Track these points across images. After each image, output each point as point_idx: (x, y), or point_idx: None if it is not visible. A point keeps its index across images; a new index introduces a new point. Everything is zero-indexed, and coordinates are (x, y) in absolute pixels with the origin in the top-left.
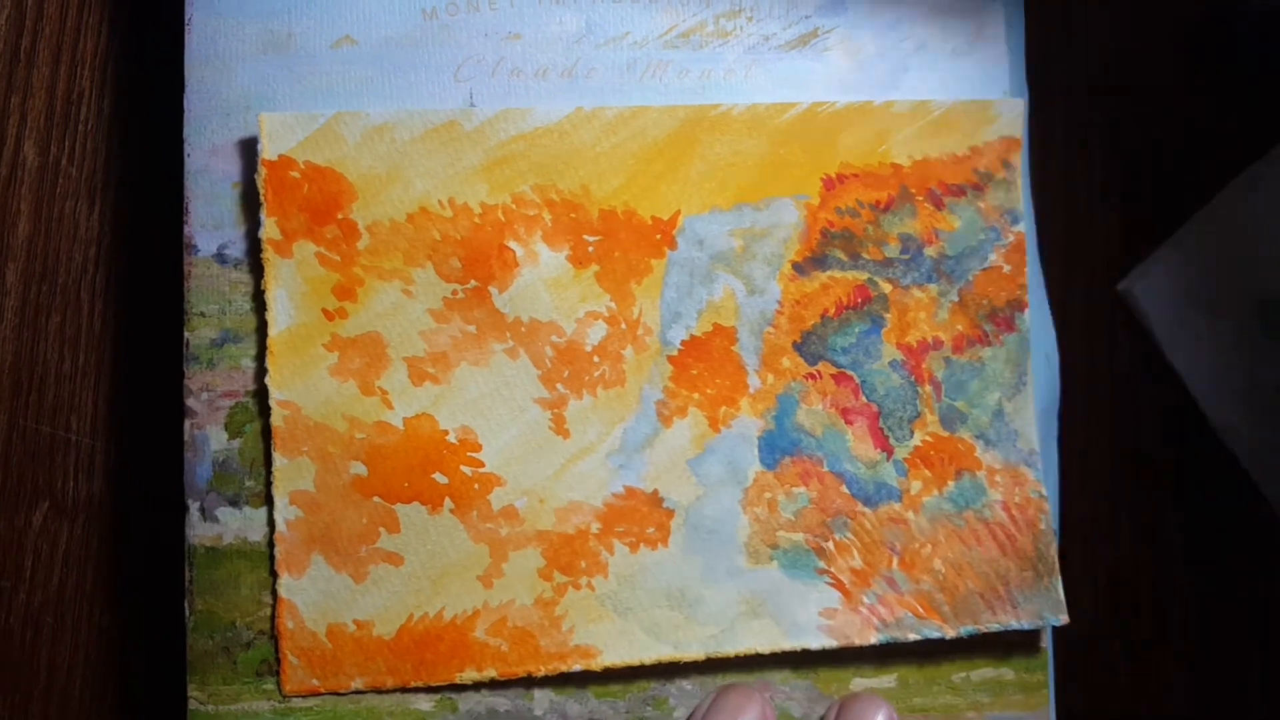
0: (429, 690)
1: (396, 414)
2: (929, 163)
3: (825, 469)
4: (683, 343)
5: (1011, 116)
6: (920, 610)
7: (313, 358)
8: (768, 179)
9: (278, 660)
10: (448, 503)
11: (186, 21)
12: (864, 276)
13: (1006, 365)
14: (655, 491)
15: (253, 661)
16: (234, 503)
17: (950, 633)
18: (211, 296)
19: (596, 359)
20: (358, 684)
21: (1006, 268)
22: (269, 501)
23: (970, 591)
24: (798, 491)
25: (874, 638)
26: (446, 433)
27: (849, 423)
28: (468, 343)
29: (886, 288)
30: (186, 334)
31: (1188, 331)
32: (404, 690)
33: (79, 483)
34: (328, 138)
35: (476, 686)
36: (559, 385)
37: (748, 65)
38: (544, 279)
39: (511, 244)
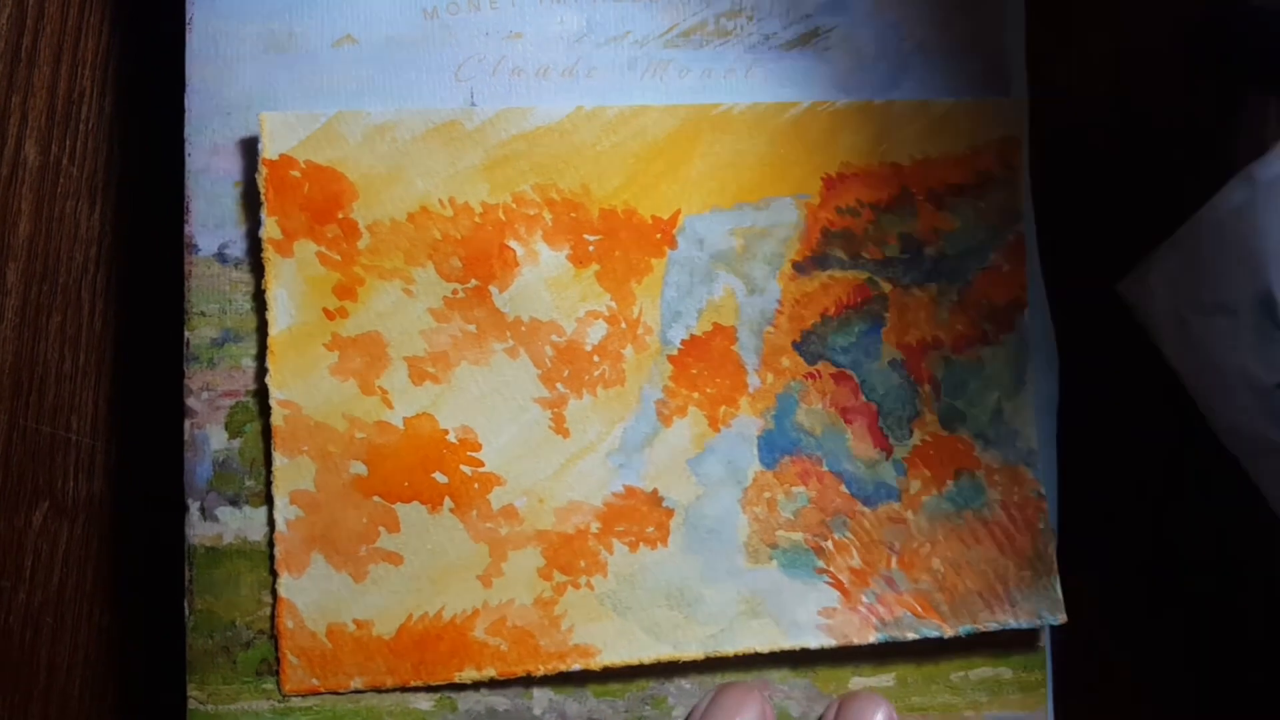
0: (428, 690)
1: (397, 413)
2: (929, 162)
3: (825, 468)
4: (683, 342)
5: (1012, 116)
6: (919, 609)
7: (313, 357)
8: (768, 178)
9: (277, 660)
10: (447, 502)
11: (187, 21)
12: (864, 276)
13: (1006, 365)
14: (655, 491)
15: (252, 661)
16: (234, 502)
17: (949, 632)
18: (212, 296)
19: (596, 358)
20: (357, 683)
21: (1006, 267)
22: (269, 501)
23: (969, 591)
24: (797, 491)
25: (873, 637)
26: (446, 432)
27: (848, 422)
28: (468, 342)
29: (886, 287)
30: (187, 333)
31: (1187, 331)
32: (403, 690)
33: (79, 482)
34: (329, 137)
35: (476, 686)
36: (559, 385)
37: (748, 64)
38: (544, 278)
39: (512, 243)
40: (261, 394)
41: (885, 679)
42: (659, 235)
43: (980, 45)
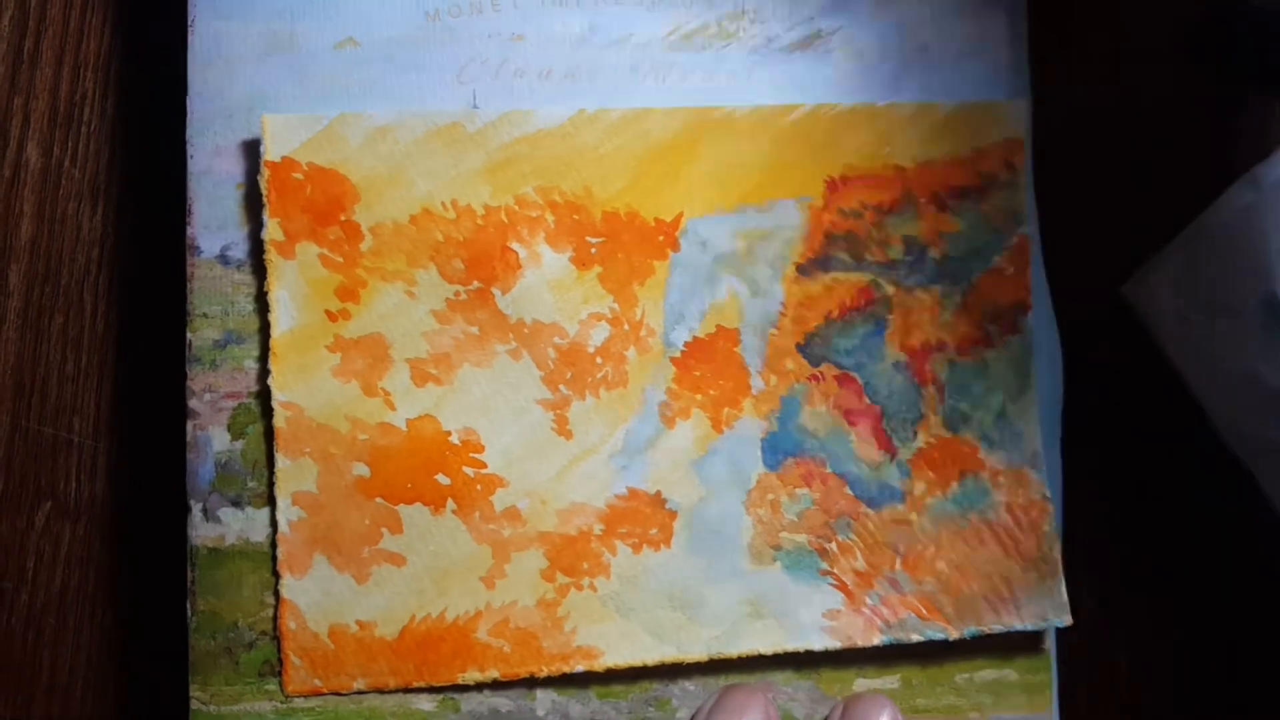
0: (431, 691)
1: (399, 415)
2: (932, 164)
3: (828, 470)
4: (686, 344)
5: (1015, 118)
6: (923, 611)
7: (315, 359)
8: (771, 181)
9: (280, 661)
10: (450, 504)
11: (189, 23)
12: (867, 278)
13: (1010, 367)
14: (658, 493)
15: (255, 662)
16: (236, 503)
17: (953, 634)
18: (214, 298)
19: (599, 360)
20: (360, 684)
21: (1010, 269)
22: (271, 502)
23: (973, 593)
24: (801, 493)
25: (877, 639)
26: (449, 434)
27: (852, 424)
28: (470, 344)
29: (890, 289)
30: (189, 335)
31: (1191, 333)
32: (406, 691)
33: (81, 484)
34: (330, 139)
35: (479, 687)
36: (562, 386)
37: (751, 67)
38: (547, 280)
39: (514, 245)
40: (264, 395)
41: (890, 681)
42: (662, 237)
43: (983, 47)
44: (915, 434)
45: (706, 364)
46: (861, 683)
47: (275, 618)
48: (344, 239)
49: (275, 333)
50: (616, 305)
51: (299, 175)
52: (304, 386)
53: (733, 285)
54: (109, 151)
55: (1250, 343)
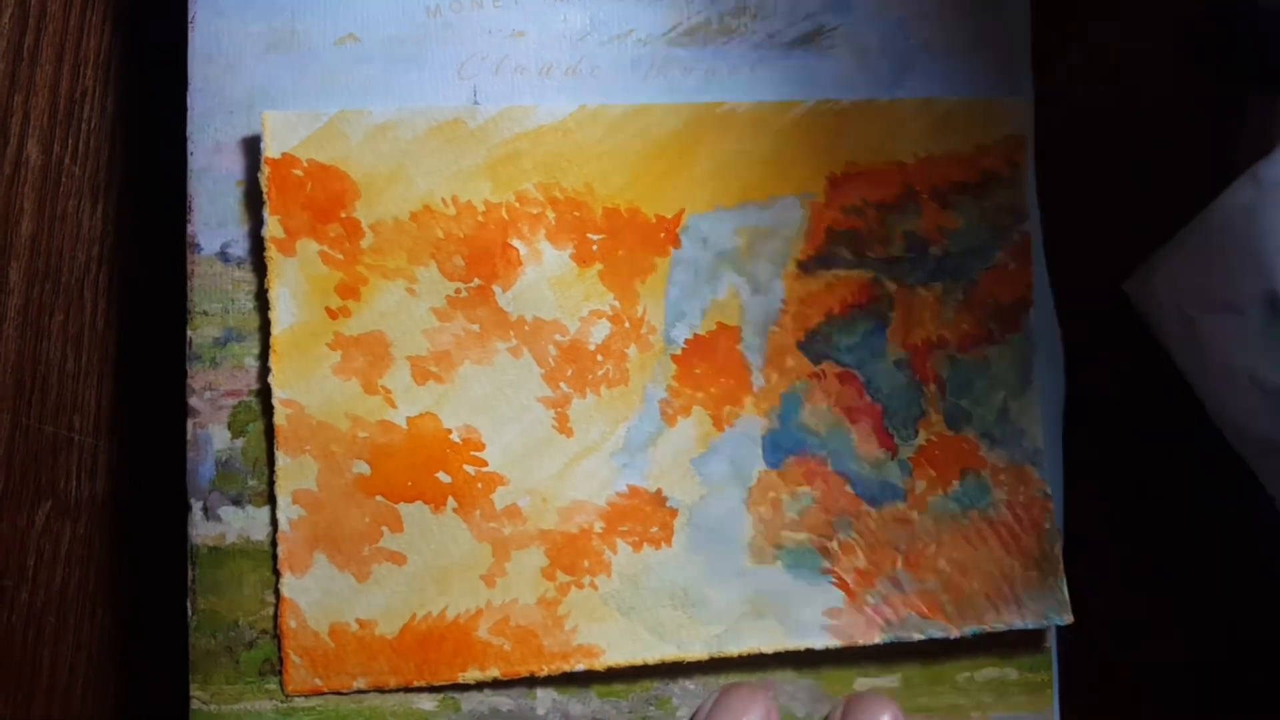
0: (432, 690)
1: (399, 413)
2: (934, 161)
3: (829, 468)
4: (686, 341)
5: (1017, 115)
6: (924, 610)
7: (316, 356)
8: (772, 177)
9: (280, 659)
10: (451, 502)
11: (190, 20)
12: (869, 275)
13: (1011, 364)
14: (659, 491)
15: (255, 661)
16: (237, 502)
17: (954, 632)
18: (214, 295)
19: (600, 358)
20: (360, 683)
21: (1012, 266)
22: (272, 500)
23: (975, 591)
24: (802, 491)
25: (878, 637)
26: (449, 432)
27: (853, 422)
28: (471, 341)
29: (891, 286)
30: (189, 333)
31: (1193, 331)
32: (407, 690)
33: (82, 482)
34: (331, 136)
35: (479, 686)
36: (562, 384)
37: (752, 63)
38: (548, 277)
39: (515, 242)
40: (264, 393)
41: (891, 680)
42: (663, 234)
43: (985, 44)
44: (916, 432)
45: (707, 361)
46: (862, 681)
47: (276, 616)
48: (344, 236)
49: (276, 330)
50: (617, 302)
51: (299, 172)
52: (304, 384)
53: (734, 282)
54: (109, 149)
55: (1251, 341)
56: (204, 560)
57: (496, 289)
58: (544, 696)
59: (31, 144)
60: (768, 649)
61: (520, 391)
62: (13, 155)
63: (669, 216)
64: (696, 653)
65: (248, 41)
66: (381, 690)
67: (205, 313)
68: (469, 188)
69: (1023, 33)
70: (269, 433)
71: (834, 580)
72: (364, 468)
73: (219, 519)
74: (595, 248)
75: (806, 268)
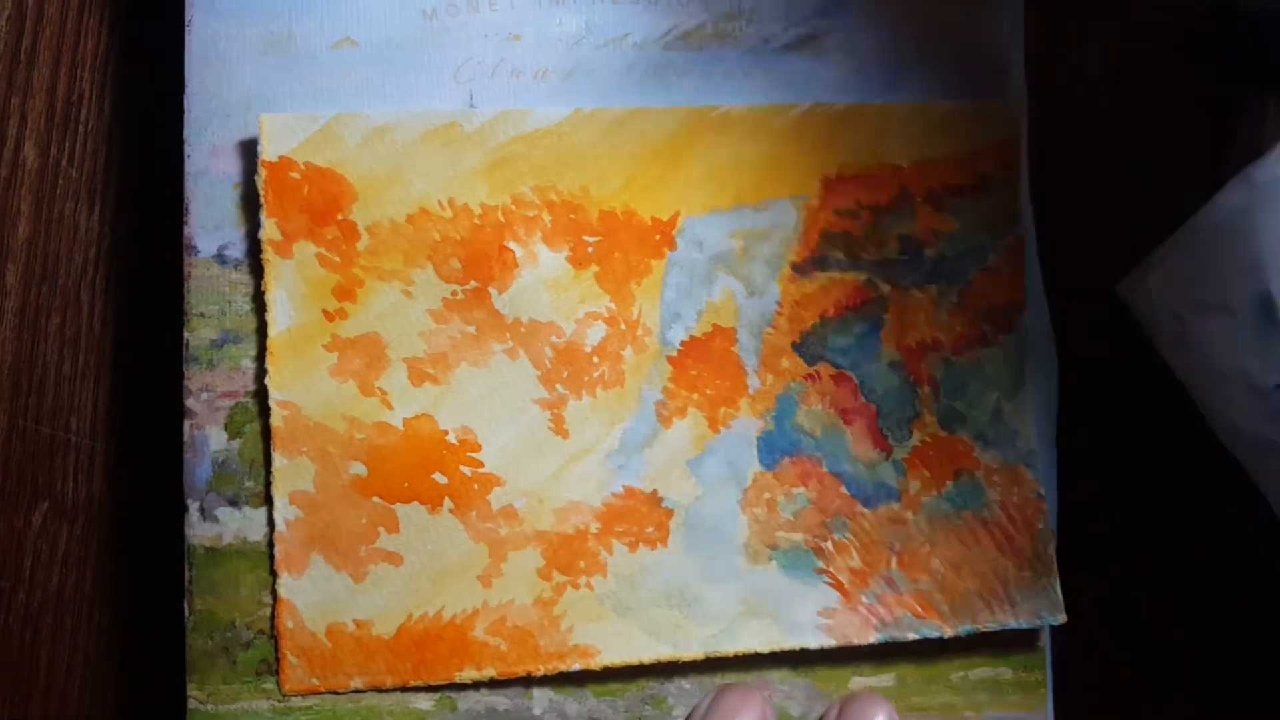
0: (428, 689)
1: (396, 414)
2: (928, 164)
3: (824, 469)
4: (682, 343)
5: (1010, 118)
6: (919, 610)
7: (312, 358)
8: (767, 180)
9: (277, 660)
10: (447, 503)
11: (187, 23)
12: (863, 277)
13: (1005, 366)
14: (654, 492)
15: (252, 661)
16: (233, 503)
17: (949, 632)
18: (211, 297)
19: (596, 360)
20: (357, 683)
21: (1005, 269)
22: (268, 501)
23: (969, 591)
24: (797, 492)
25: (873, 637)
26: (446, 433)
27: (848, 423)
28: (467, 343)
29: (885, 289)
30: (186, 335)
31: (1186, 332)
32: (403, 689)
33: (78, 483)
34: (328, 139)
35: (476, 686)
36: (558, 386)
37: (747, 67)
38: (544, 280)
39: (511, 245)
40: (261, 395)
41: (885, 679)
42: (658, 237)
43: (979, 47)
44: (911, 433)
45: (703, 363)
46: (857, 681)
47: (273, 617)
48: (341, 239)
49: (272, 332)
50: (613, 305)
51: (296, 175)
52: (301, 386)
53: (729, 285)
54: (106, 151)
55: (1244, 342)
56: (201, 561)
57: (493, 291)
58: (540, 696)
59: (29, 146)
60: (763, 648)
61: (516, 393)
62: (10, 158)
63: (664, 219)
64: (692, 652)
65: (245, 44)
66: (378, 690)
67: (202, 315)
68: (465, 190)
69: (1016, 37)
70: (266, 434)
71: (829, 580)
72: (361, 469)
73: (216, 520)
74: (591, 250)
75: (801, 270)
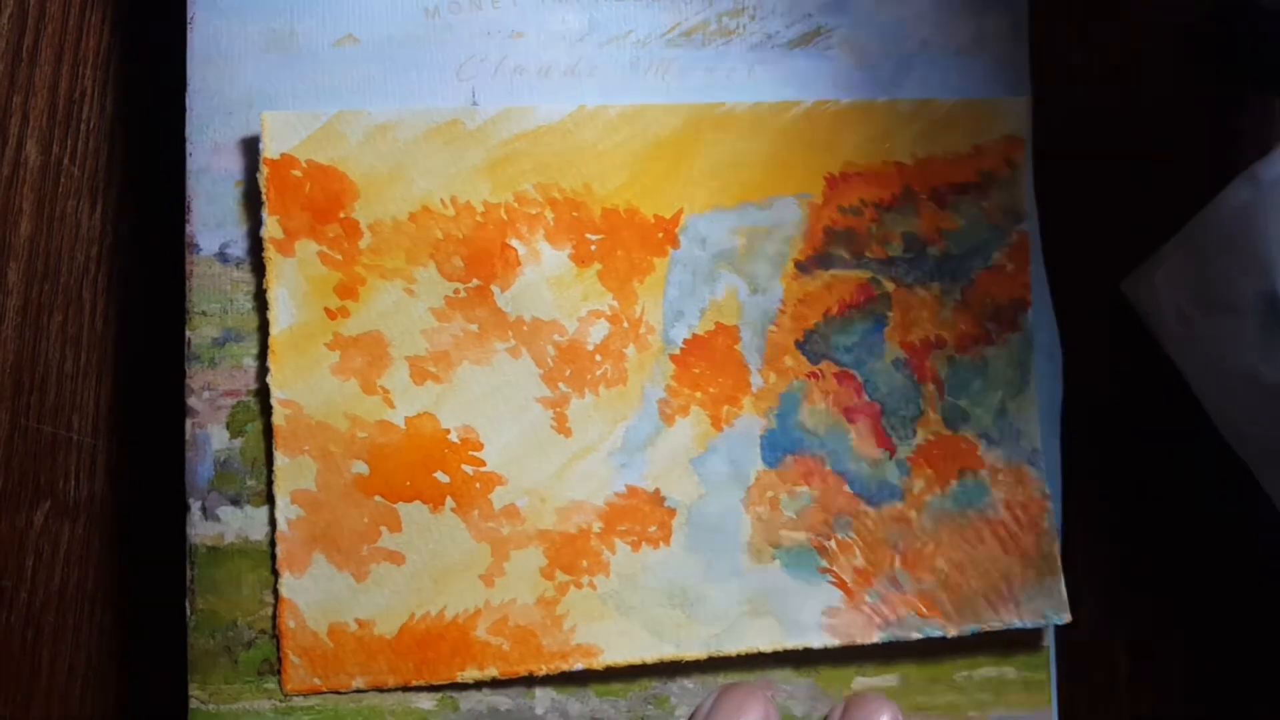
0: (430, 689)
1: (398, 413)
2: (933, 161)
3: (828, 468)
4: (685, 341)
5: (1015, 115)
6: (923, 609)
7: (314, 357)
8: (771, 178)
9: (279, 659)
10: (449, 502)
11: (189, 20)
12: (867, 275)
13: (1009, 364)
14: (657, 490)
15: (254, 660)
16: (235, 502)
17: (953, 631)
18: (213, 295)
19: (599, 358)
20: (359, 683)
21: (1010, 267)
22: (270, 500)
23: (973, 590)
24: (800, 490)
25: (876, 636)
26: (448, 432)
27: (851, 421)
28: (470, 342)
29: (889, 286)
30: (188, 333)
31: (1191, 331)
32: (405, 689)
33: (80, 482)
34: (330, 136)
35: (478, 685)
36: (561, 384)
37: (751, 64)
38: (546, 278)
39: (514, 243)
40: (263, 393)
41: (889, 679)
42: (661, 234)
43: (983, 44)
44: (915, 431)
45: (706, 361)
46: (861, 681)
47: (274, 616)
48: (343, 236)
49: (274, 330)
50: (616, 303)
51: (298, 173)
52: (303, 384)
53: (732, 282)
54: (108, 149)
55: (1249, 340)
56: (203, 560)
57: (495, 289)
58: (542, 696)
59: (30, 144)
60: (766, 648)
61: (519, 391)
62: (11, 156)
63: (667, 217)
64: (695, 652)
65: (247, 42)
66: (380, 690)
67: (204, 313)
68: (468, 188)
69: (1021, 33)
70: (267, 433)
71: (832, 579)
72: (362, 468)
73: (218, 519)
74: (594, 248)
75: (805, 268)
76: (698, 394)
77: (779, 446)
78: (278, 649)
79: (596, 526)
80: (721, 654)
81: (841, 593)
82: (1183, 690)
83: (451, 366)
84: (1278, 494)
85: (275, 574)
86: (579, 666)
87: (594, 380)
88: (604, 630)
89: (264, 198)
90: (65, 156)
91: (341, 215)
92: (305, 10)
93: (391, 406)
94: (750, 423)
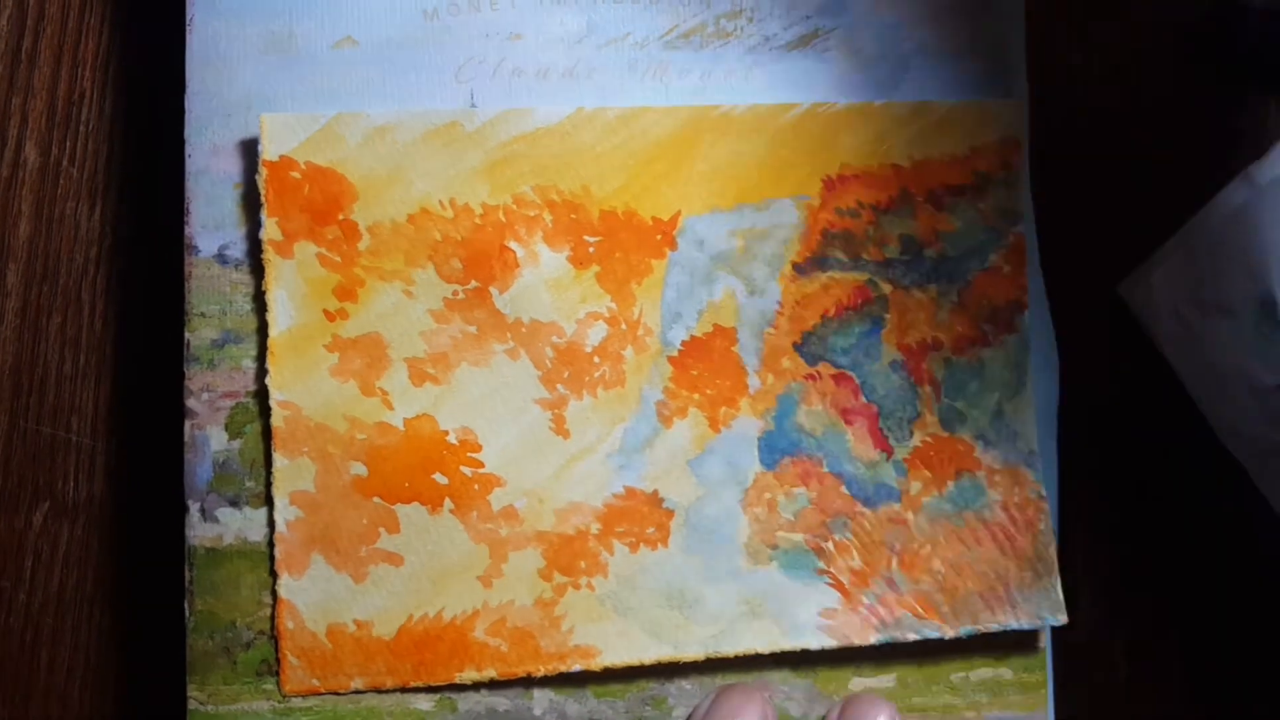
0: (429, 690)
1: (397, 414)
2: (930, 163)
3: (825, 469)
4: (683, 343)
5: (1012, 117)
6: (919, 610)
7: (313, 358)
8: (768, 180)
9: (278, 660)
10: (448, 503)
11: (188, 22)
12: (864, 277)
13: (1006, 366)
14: (655, 492)
15: (253, 661)
16: (234, 503)
17: (949, 633)
18: (212, 297)
19: (597, 359)
20: (357, 684)
21: (1006, 269)
22: (269, 502)
23: (970, 592)
24: (797, 492)
25: (873, 638)
26: (446, 433)
27: (849, 423)
28: (468, 343)
29: (886, 288)
30: (187, 334)
31: (1188, 332)
32: (404, 690)
33: (79, 483)
34: (329, 138)
35: (476, 686)
36: (559, 386)
37: (748, 66)
38: (544, 279)
39: (512, 245)
40: (262, 395)
41: (886, 680)
42: (659, 236)
43: (980, 46)
44: (911, 433)
45: (703, 363)
46: (858, 682)
47: (273, 617)
48: (342, 238)
49: (273, 332)
50: (614, 304)
51: (297, 175)
52: (302, 386)
53: (730, 284)
54: (107, 151)
55: (1245, 342)
56: (201, 561)
57: (493, 291)
58: (541, 697)
59: (29, 146)
60: (764, 649)
61: (517, 393)
62: (11, 157)
63: (665, 219)
64: (693, 653)
65: (246, 44)
66: (379, 691)
67: (203, 314)
68: (466, 190)
69: (1017, 35)
70: (266, 434)
71: (829, 581)
72: (361, 469)
73: (216, 520)
74: (592, 250)
75: (802, 270)
76: (695, 396)
77: (776, 448)
78: (276, 650)
79: (594, 528)
80: (719, 655)
81: (839, 594)
82: (1181, 691)
83: (450, 368)
84: (1274, 495)
85: (274, 575)
86: (577, 667)
87: (592, 382)
88: (602, 631)
89: (263, 199)
90: (64, 158)
91: (340, 217)
92: (304, 12)
93: (390, 408)
94: (748, 424)
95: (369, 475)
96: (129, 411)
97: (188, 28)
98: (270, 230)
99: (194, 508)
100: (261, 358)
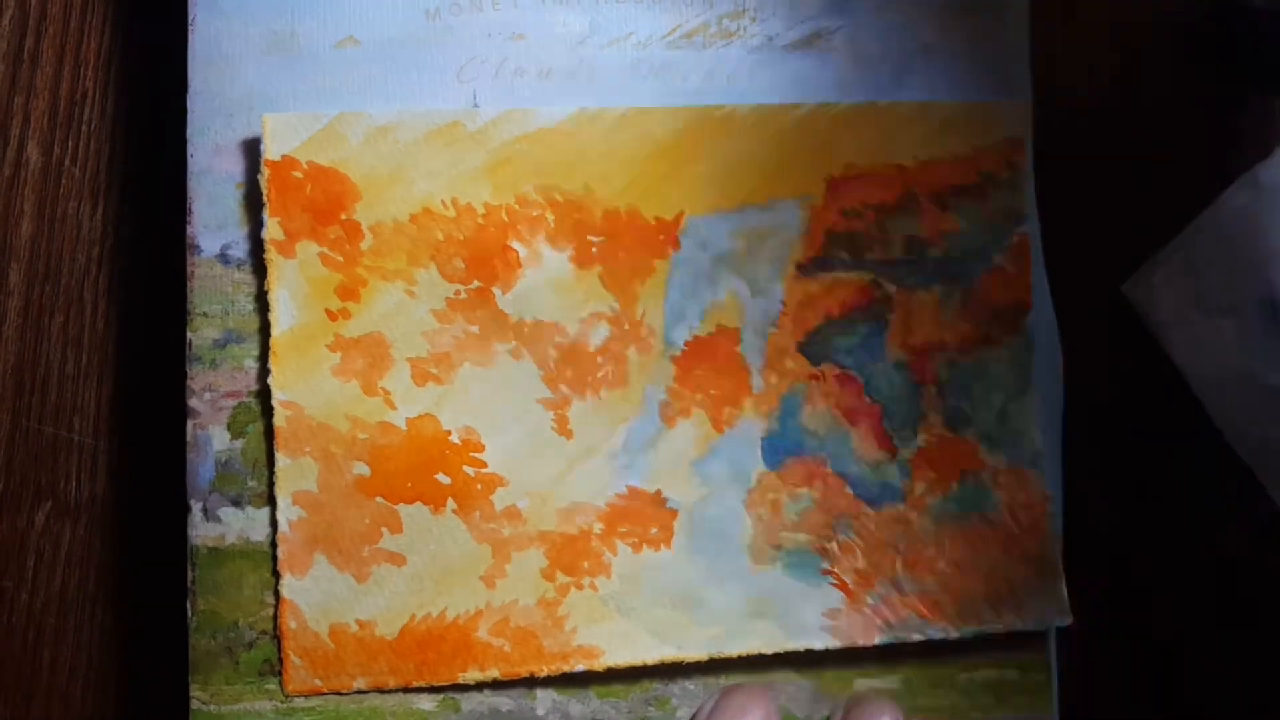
0: (431, 690)
1: (399, 414)
2: (933, 164)
3: (829, 470)
4: (686, 343)
5: (1016, 117)
6: (924, 611)
7: (315, 358)
8: (771, 180)
9: (280, 660)
10: (450, 503)
11: (190, 22)
12: (868, 278)
13: (1010, 367)
14: (658, 492)
15: (255, 661)
16: (236, 503)
17: (954, 634)
18: (214, 297)
19: (600, 359)
20: (360, 684)
21: (1010, 269)
22: (271, 502)
23: (974, 593)
24: (801, 492)
25: (878, 638)
26: (449, 433)
27: (853, 424)
28: (471, 343)
29: (890, 289)
30: (189, 334)
31: (1192, 333)
32: (406, 690)
33: (81, 483)
34: (331, 138)
35: (479, 686)
36: (562, 386)
37: (751, 66)
38: (547, 279)
39: (515, 244)
40: (264, 395)
41: (890, 681)
42: (662, 236)
43: (984, 47)
44: (916, 433)
45: (707, 363)
46: (862, 683)
47: (275, 617)
48: (344, 238)
49: (275, 332)
50: (617, 304)
51: (299, 174)
52: (304, 386)
53: (733, 285)
54: (109, 150)
55: (1250, 342)
56: (204, 561)
57: (496, 291)
58: (544, 697)
59: (32, 146)
60: (767, 650)
61: (520, 393)
62: (13, 157)
63: (668, 219)
64: (696, 653)
65: (248, 44)
66: (381, 691)
67: (205, 314)
68: (468, 190)
69: (1021, 34)
70: (269, 434)
71: (833, 581)
72: (364, 469)
73: (219, 520)
74: (595, 250)
75: (806, 270)
76: (699, 396)
77: (780, 448)
78: (279, 650)
79: (598, 528)
80: (723, 655)
81: (843, 594)
82: (1185, 693)
83: (453, 368)
84: (1278, 494)
85: (276, 575)
86: (580, 668)
87: (595, 382)
88: (605, 631)
89: (265, 199)
90: (66, 158)
91: (342, 217)
92: (306, 12)
93: (393, 408)
94: (751, 425)
95: (371, 475)
96: (131, 411)
97: (190, 27)
98: (272, 230)
99: (196, 507)
100: (264, 357)
